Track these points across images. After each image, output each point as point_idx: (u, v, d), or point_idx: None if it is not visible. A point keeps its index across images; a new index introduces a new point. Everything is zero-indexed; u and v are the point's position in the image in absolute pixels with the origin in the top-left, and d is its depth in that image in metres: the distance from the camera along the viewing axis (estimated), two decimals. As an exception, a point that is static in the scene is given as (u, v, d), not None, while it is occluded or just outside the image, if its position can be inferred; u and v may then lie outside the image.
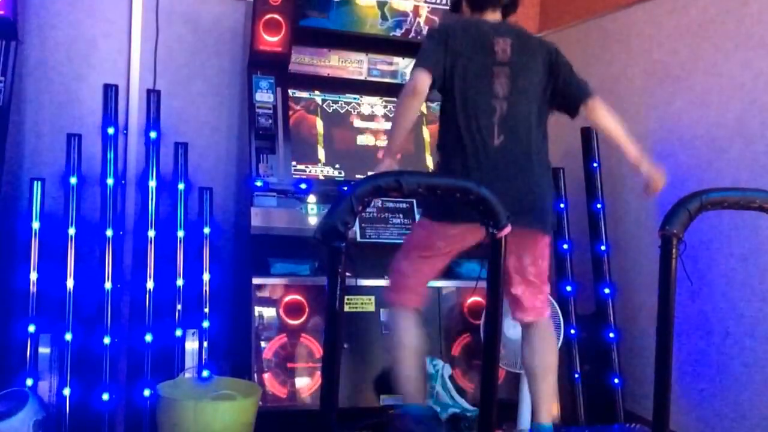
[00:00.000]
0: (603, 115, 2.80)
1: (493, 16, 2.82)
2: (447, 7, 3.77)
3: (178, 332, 3.25)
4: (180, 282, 3.30)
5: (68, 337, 3.06)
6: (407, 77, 3.94)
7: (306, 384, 3.21)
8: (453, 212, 2.64)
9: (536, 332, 2.85)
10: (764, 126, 3.02)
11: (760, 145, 3.03)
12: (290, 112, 3.64)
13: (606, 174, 3.70)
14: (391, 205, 3.50)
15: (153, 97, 3.46)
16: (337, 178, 3.57)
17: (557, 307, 3.37)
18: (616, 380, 3.50)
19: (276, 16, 3.51)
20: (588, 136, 3.72)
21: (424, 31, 3.76)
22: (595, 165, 3.67)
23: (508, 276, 2.72)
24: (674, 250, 1.83)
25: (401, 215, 3.51)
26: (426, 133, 3.82)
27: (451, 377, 3.32)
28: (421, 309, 2.90)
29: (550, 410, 2.78)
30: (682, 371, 3.27)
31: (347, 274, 1.73)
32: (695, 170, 3.32)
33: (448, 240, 2.75)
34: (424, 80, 2.61)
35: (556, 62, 2.79)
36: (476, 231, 2.48)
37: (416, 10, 3.75)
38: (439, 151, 2.85)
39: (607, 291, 3.57)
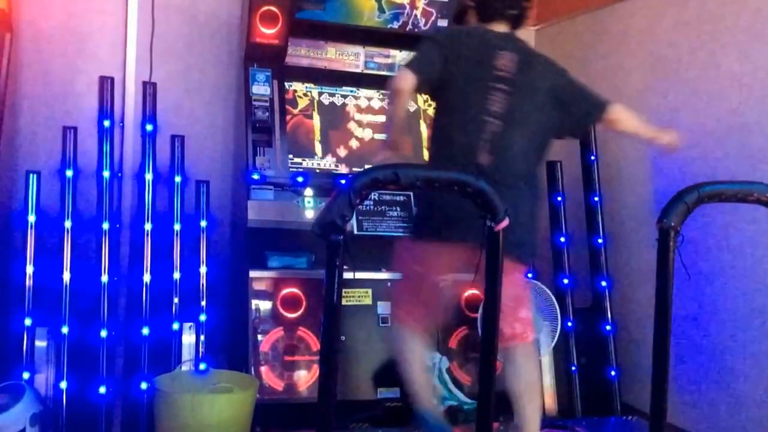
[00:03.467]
0: (621, 122, 2.74)
1: (500, 27, 2.70)
2: (444, 0, 3.75)
3: (175, 325, 3.25)
4: (177, 275, 3.29)
5: (65, 330, 3.06)
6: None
7: (303, 377, 3.21)
8: (437, 231, 2.59)
9: (517, 353, 2.65)
10: (761, 119, 3.02)
11: (758, 138, 3.03)
12: (287, 106, 3.63)
13: (603, 167, 3.70)
14: (388, 197, 3.50)
15: (149, 89, 3.44)
16: (334, 171, 3.57)
17: (554, 300, 3.37)
18: (613, 373, 3.51)
19: (272, 8, 3.49)
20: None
21: (422, 24, 3.75)
22: (592, 158, 3.67)
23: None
24: (672, 243, 1.83)
25: (398, 208, 3.51)
26: (423, 128, 3.80)
27: (448, 370, 3.33)
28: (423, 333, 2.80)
29: (537, 430, 2.66)
30: (678, 363, 3.28)
31: (344, 267, 1.73)
32: (692, 163, 3.31)
33: (433, 260, 2.66)
34: (407, 81, 2.54)
35: (562, 85, 2.68)
36: (461, 251, 2.42)
37: (413, 3, 3.73)
38: (430, 154, 2.80)
39: (604, 284, 3.58)
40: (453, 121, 2.60)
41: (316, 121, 3.66)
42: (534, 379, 2.71)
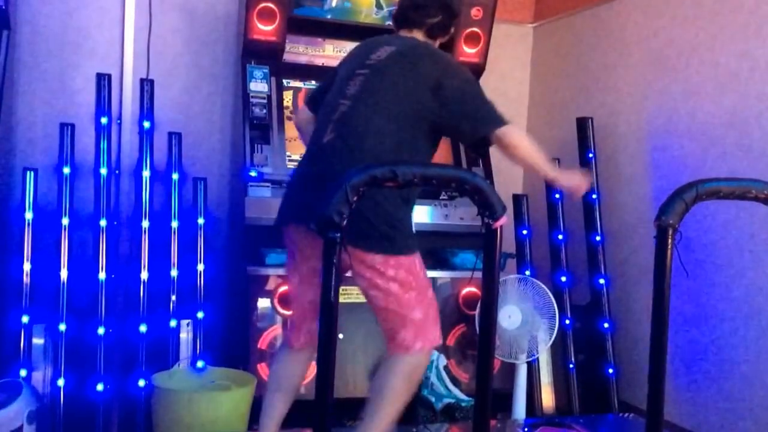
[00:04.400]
0: (509, 149, 2.38)
1: (407, 33, 2.57)
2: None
3: (173, 323, 3.25)
4: (174, 272, 3.29)
5: (62, 327, 3.05)
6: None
7: (301, 374, 3.21)
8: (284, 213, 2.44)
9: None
10: (760, 116, 3.02)
11: (756, 135, 3.03)
12: (284, 102, 3.63)
13: (602, 164, 3.71)
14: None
15: (146, 86, 3.44)
16: (331, 169, 3.56)
17: (552, 297, 3.37)
18: (611, 370, 3.51)
19: (270, 4, 3.49)
20: (583, 126, 3.72)
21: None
22: (590, 155, 3.67)
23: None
24: (670, 241, 1.82)
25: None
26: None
27: (445, 367, 3.33)
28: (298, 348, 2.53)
29: None
30: (676, 361, 3.28)
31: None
32: (691, 160, 3.32)
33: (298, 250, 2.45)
34: (301, 110, 2.78)
35: (440, 85, 2.38)
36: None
37: (411, 0, 3.72)
38: None
39: (602, 281, 3.58)
40: (320, 111, 2.54)
41: (314, 118, 3.65)
42: (382, 385, 2.39)
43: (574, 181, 2.51)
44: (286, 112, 3.61)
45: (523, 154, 2.39)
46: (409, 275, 2.34)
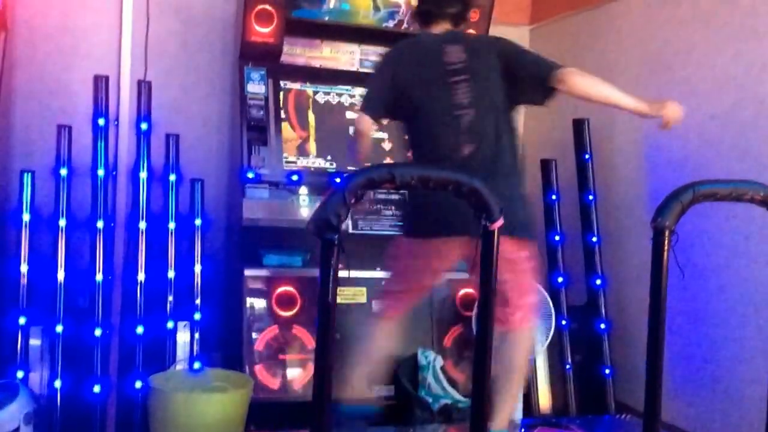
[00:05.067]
0: (576, 83, 2.62)
1: (441, 28, 2.78)
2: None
3: (170, 324, 3.25)
4: (171, 274, 3.29)
5: (59, 329, 3.05)
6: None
7: (298, 375, 3.22)
8: (427, 227, 2.63)
9: (508, 338, 2.66)
10: (756, 117, 3.03)
11: (752, 137, 3.04)
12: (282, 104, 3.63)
13: (598, 166, 3.71)
14: (383, 197, 3.50)
15: (144, 88, 3.44)
16: (329, 170, 3.56)
17: (548, 298, 3.38)
18: (607, 371, 3.52)
19: (267, 6, 3.49)
20: (580, 127, 3.73)
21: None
22: (587, 156, 3.68)
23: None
24: (666, 242, 1.84)
25: (393, 207, 3.51)
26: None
27: (442, 368, 3.33)
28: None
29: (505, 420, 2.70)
30: (672, 362, 3.29)
31: (339, 265, 1.73)
32: (687, 162, 3.33)
33: (427, 257, 2.69)
34: (365, 124, 2.71)
35: (503, 51, 2.71)
36: (458, 245, 2.49)
37: (408, 1, 3.73)
38: (414, 158, 2.81)
39: (598, 282, 3.59)
40: (427, 124, 2.65)
41: (311, 119, 3.66)
42: (514, 366, 2.70)
43: (666, 110, 2.60)
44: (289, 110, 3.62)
45: (598, 84, 2.64)
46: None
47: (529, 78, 2.69)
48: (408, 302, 2.87)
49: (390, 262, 2.84)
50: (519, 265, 2.62)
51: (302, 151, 3.56)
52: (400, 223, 3.40)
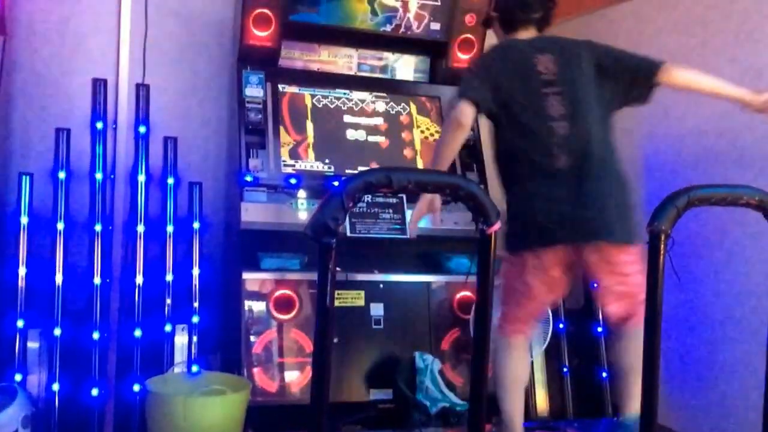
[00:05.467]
0: (679, 75, 2.64)
1: (527, 33, 2.74)
2: (437, 3, 3.77)
3: (168, 327, 3.25)
4: (169, 277, 3.29)
5: (57, 332, 3.06)
6: (396, 73, 3.96)
7: (296, 378, 3.22)
8: (537, 235, 2.53)
9: (631, 330, 2.61)
10: (751, 122, 3.04)
11: (747, 141, 3.05)
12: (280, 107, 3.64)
13: (594, 169, 3.71)
14: (380, 200, 3.51)
15: (142, 91, 3.45)
16: (326, 173, 3.57)
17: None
18: (605, 374, 3.52)
19: (265, 10, 3.50)
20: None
21: (414, 27, 3.77)
22: (583, 160, 3.68)
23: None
24: (662, 246, 1.84)
25: (391, 210, 3.52)
26: (416, 133, 3.81)
27: (440, 372, 3.33)
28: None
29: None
30: (669, 366, 3.29)
31: (337, 269, 1.74)
32: (682, 166, 3.34)
33: (544, 270, 2.58)
34: (469, 113, 2.51)
35: (595, 56, 2.65)
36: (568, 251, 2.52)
37: (406, 6, 3.75)
38: (500, 170, 2.71)
39: (595, 285, 3.59)
40: (520, 136, 2.58)
41: (309, 123, 3.67)
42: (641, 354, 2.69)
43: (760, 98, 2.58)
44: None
45: (700, 75, 2.64)
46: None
47: (633, 78, 2.66)
48: (536, 318, 2.81)
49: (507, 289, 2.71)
50: (639, 265, 2.53)
51: (300, 155, 3.57)
52: (399, 227, 3.41)
